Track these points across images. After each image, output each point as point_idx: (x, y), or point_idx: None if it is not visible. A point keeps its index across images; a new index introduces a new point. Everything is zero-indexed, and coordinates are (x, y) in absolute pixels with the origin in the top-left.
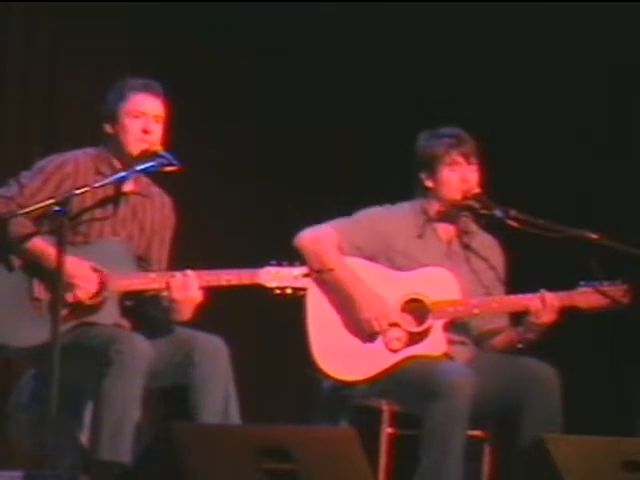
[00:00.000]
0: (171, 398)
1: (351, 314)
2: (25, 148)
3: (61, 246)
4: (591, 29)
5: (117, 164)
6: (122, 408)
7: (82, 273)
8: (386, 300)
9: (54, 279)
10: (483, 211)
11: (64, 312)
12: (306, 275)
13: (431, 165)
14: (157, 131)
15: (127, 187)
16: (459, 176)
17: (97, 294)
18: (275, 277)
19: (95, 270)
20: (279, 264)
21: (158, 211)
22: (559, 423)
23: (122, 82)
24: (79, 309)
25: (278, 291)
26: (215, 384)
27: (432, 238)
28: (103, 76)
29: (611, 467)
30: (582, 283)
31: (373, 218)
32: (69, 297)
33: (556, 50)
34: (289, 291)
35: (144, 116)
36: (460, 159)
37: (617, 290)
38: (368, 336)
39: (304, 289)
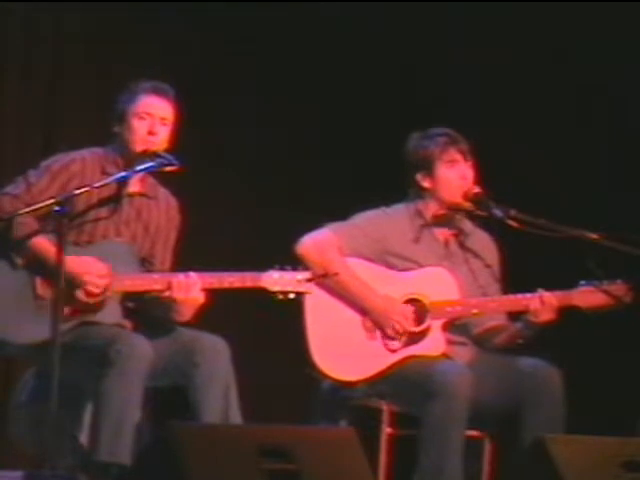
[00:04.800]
0: (171, 398)
1: (358, 317)
2: (25, 147)
3: (61, 246)
4: (591, 27)
5: (122, 163)
6: (122, 409)
7: (88, 268)
8: (399, 303)
9: (56, 278)
10: (481, 213)
11: (66, 310)
12: (309, 280)
13: (428, 165)
14: (162, 133)
15: (133, 188)
16: (458, 173)
17: (109, 286)
18: (278, 281)
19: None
20: (282, 268)
21: (163, 212)
22: (561, 423)
23: (134, 84)
24: (82, 308)
25: (281, 295)
26: (216, 384)
27: (429, 240)
28: (103, 76)
29: (611, 467)
30: (582, 282)
31: (369, 222)
32: (81, 295)
33: (556, 49)
34: (292, 296)
35: (150, 117)
36: (457, 156)
37: (617, 289)
38: (389, 339)
39: (307, 294)
